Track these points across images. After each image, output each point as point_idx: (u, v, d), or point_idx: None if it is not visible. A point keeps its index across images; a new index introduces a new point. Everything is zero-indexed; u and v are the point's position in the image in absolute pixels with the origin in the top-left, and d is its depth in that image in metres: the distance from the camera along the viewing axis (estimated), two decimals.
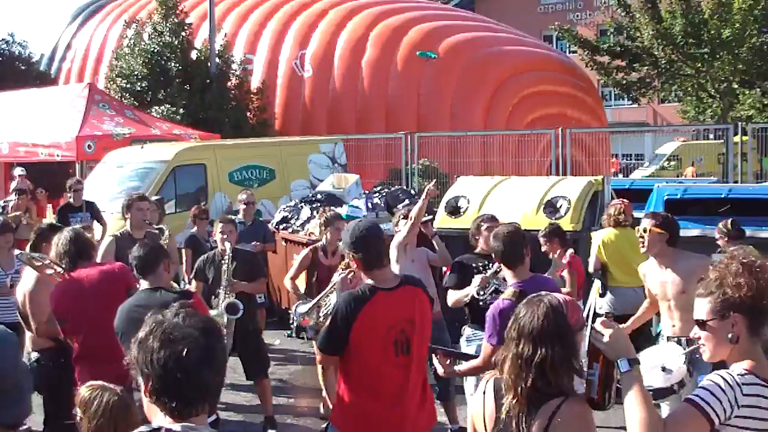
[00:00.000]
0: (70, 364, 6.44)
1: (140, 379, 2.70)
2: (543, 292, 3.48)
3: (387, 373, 5.05)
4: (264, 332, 9.89)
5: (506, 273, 6.21)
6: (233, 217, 10.22)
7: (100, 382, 3.84)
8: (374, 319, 4.98)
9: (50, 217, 15.60)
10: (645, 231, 6.76)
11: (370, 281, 5.10)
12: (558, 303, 3.36)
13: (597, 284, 9.42)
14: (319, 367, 8.44)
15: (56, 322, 6.54)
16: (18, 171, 18.29)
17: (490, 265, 7.18)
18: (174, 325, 2.69)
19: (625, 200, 10.00)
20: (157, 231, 9.27)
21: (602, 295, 9.39)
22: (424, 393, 5.32)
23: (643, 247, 6.85)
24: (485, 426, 3.48)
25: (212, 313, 8.14)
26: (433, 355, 4.73)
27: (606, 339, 3.19)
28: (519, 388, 3.30)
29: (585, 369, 3.33)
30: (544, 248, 9.09)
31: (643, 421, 3.10)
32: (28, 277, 7.08)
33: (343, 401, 5.19)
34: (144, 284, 6.06)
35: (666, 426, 3.17)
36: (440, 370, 5.04)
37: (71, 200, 13.14)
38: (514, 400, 3.32)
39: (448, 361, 5.15)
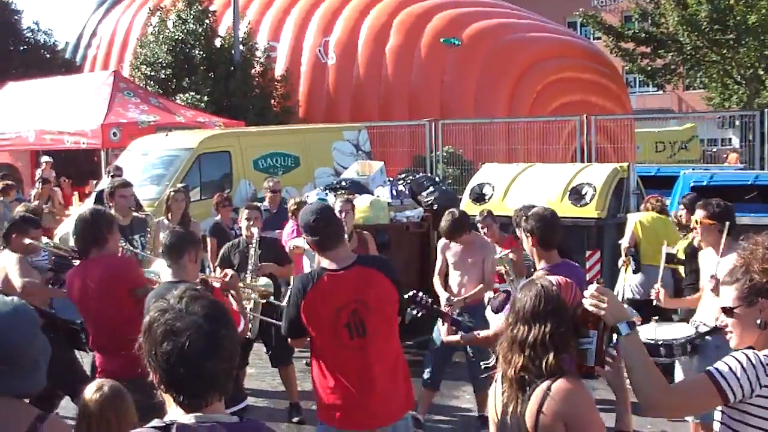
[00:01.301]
0: (57, 339, 6.48)
1: (149, 369, 2.60)
2: (535, 276, 3.50)
3: (343, 356, 5.03)
4: None
5: (536, 256, 5.98)
6: (259, 204, 10.27)
7: (96, 381, 3.80)
8: (319, 301, 4.98)
9: (76, 205, 15.70)
10: (697, 222, 6.65)
11: (324, 262, 5.13)
12: (549, 283, 3.39)
13: (631, 265, 9.48)
14: None
15: (38, 291, 7.01)
16: (44, 159, 18.46)
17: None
18: (177, 313, 2.56)
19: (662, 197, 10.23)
20: (144, 217, 9.29)
21: (636, 272, 9.45)
22: (394, 374, 5.24)
23: (697, 237, 6.85)
24: (496, 411, 3.52)
25: (261, 282, 8.19)
26: (440, 318, 4.57)
27: (604, 305, 3.19)
28: (512, 372, 3.33)
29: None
30: (483, 231, 8.92)
31: (647, 383, 3.11)
32: (8, 255, 7.30)
33: (316, 386, 5.24)
34: (168, 274, 5.96)
35: (675, 391, 3.17)
36: (443, 334, 4.87)
37: None
38: (508, 384, 3.36)
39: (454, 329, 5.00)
